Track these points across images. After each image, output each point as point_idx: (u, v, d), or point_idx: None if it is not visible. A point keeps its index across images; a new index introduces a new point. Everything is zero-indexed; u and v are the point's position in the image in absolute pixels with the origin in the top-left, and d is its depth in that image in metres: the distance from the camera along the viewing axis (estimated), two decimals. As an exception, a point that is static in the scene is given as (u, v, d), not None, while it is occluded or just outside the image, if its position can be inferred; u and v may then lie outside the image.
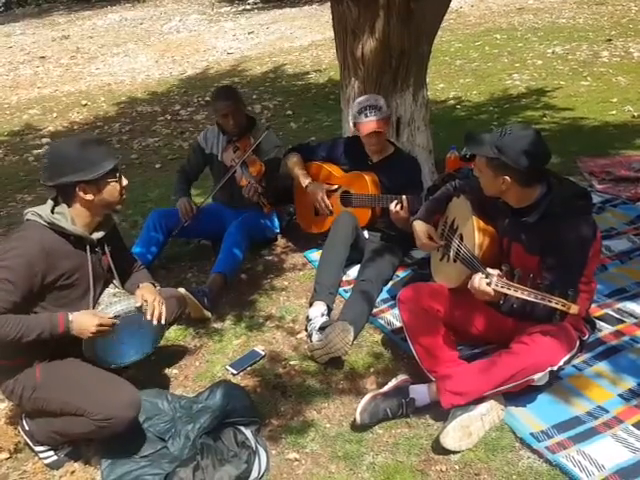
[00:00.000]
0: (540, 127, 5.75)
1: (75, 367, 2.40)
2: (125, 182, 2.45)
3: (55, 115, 8.25)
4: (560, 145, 5.11)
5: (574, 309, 2.10)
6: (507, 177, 2.32)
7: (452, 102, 7.11)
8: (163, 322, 2.49)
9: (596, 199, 4.11)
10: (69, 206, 2.36)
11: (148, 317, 2.43)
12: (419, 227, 2.89)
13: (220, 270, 3.51)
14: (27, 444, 2.52)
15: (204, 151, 3.99)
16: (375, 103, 3.47)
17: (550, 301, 2.10)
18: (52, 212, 2.35)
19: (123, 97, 8.82)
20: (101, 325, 2.31)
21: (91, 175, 2.30)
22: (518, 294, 2.14)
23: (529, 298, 2.12)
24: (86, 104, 8.62)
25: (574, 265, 2.35)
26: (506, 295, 2.19)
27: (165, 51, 11.93)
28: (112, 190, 2.39)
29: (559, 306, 2.10)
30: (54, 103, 8.86)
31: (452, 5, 4.18)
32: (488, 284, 2.22)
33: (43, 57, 12.35)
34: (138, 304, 2.44)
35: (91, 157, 2.31)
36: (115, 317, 2.38)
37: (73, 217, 2.36)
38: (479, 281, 2.26)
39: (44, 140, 7.14)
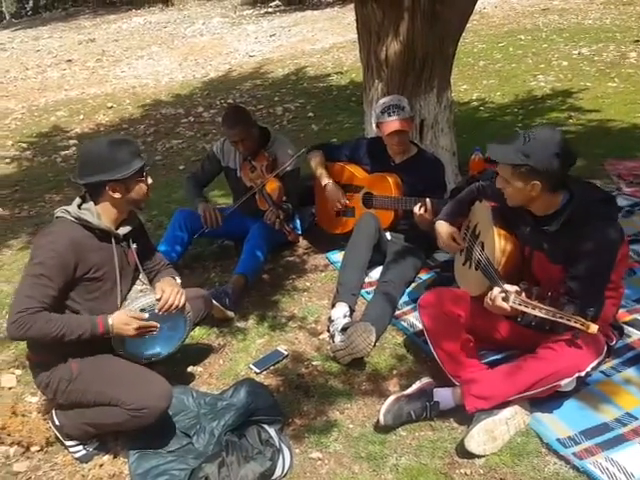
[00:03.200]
0: (566, 129, 5.69)
1: (109, 361, 2.48)
2: (150, 181, 2.52)
3: (82, 117, 8.37)
4: (586, 147, 5.04)
5: (592, 329, 2.06)
6: (537, 182, 2.25)
7: (475, 103, 7.06)
8: (174, 312, 2.51)
9: (624, 202, 4.05)
10: (97, 203, 2.43)
11: (157, 307, 2.47)
12: (442, 228, 2.87)
13: (242, 271, 3.52)
14: (57, 438, 2.56)
15: (220, 162, 3.95)
16: (398, 103, 3.46)
17: (569, 320, 2.08)
18: (79, 208, 2.42)
19: (147, 99, 8.92)
20: (140, 328, 2.40)
21: (121, 174, 2.37)
22: (536, 312, 2.12)
23: (547, 317, 2.10)
24: (112, 106, 8.73)
25: (599, 274, 2.30)
26: (524, 312, 2.16)
27: (188, 54, 12.04)
28: (139, 189, 2.46)
29: (578, 325, 2.07)
30: (81, 105, 8.98)
31: (476, 6, 4.15)
32: (505, 300, 2.20)
33: (70, 60, 12.53)
34: (158, 296, 2.50)
35: (121, 157, 2.38)
36: (141, 310, 2.44)
37: (99, 213, 2.43)
38: (496, 297, 2.25)
39: (71, 142, 7.26)
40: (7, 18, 21.51)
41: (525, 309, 2.13)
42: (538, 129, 2.31)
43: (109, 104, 8.82)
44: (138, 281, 2.62)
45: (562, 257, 2.36)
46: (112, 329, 2.35)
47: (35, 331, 2.22)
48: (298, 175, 3.91)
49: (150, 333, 2.47)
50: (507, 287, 2.23)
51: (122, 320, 2.37)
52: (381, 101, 3.56)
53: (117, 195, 2.40)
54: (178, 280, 2.70)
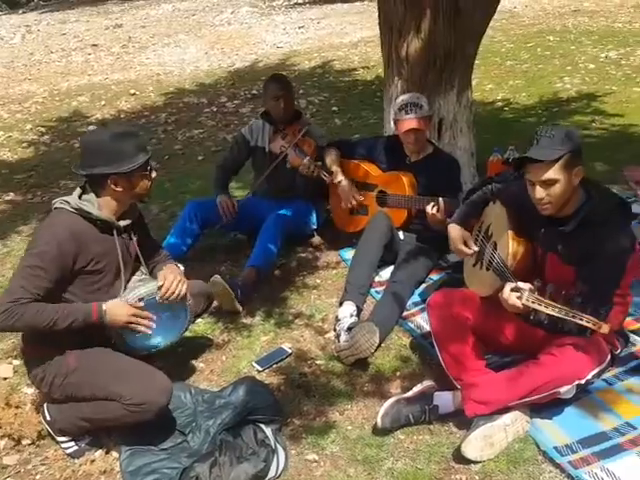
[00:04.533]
0: (588, 133, 5.60)
1: (107, 354, 2.46)
2: (154, 175, 2.50)
3: (103, 103, 8.37)
4: (608, 153, 4.96)
5: (605, 328, 2.04)
6: (579, 166, 2.25)
7: (500, 104, 6.96)
8: (172, 298, 2.50)
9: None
10: (98, 195, 2.41)
11: (159, 296, 2.46)
12: (454, 232, 2.83)
13: (254, 264, 3.51)
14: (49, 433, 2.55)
15: (249, 144, 3.99)
16: (417, 101, 3.43)
17: (581, 319, 2.04)
18: (79, 199, 2.40)
19: (171, 87, 8.89)
20: (134, 315, 2.37)
21: (124, 168, 2.35)
22: (549, 311, 2.09)
23: (560, 315, 2.07)
24: (134, 93, 8.72)
25: (610, 277, 2.28)
26: (537, 310, 2.13)
27: (215, 43, 12.00)
28: (143, 183, 2.45)
29: (590, 325, 2.04)
30: (103, 91, 8.99)
31: (506, 5, 4.11)
32: (518, 298, 2.17)
33: (95, 45, 12.54)
34: (160, 283, 2.48)
35: (125, 150, 2.36)
36: (140, 299, 2.43)
37: (100, 205, 2.41)
38: (509, 294, 2.22)
39: (91, 127, 7.23)
40: (35, 0, 21.60)
41: (538, 307, 2.11)
42: (543, 127, 2.30)
43: (132, 91, 8.80)
44: (138, 272, 2.62)
45: (575, 258, 2.34)
46: (105, 315, 2.32)
47: (25, 321, 2.21)
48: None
49: (145, 326, 2.44)
50: (521, 285, 2.21)
51: (116, 305, 2.35)
52: (400, 98, 3.53)
53: (119, 189, 2.38)
54: (181, 268, 2.70)
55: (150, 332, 2.45)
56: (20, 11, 19.36)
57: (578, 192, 2.32)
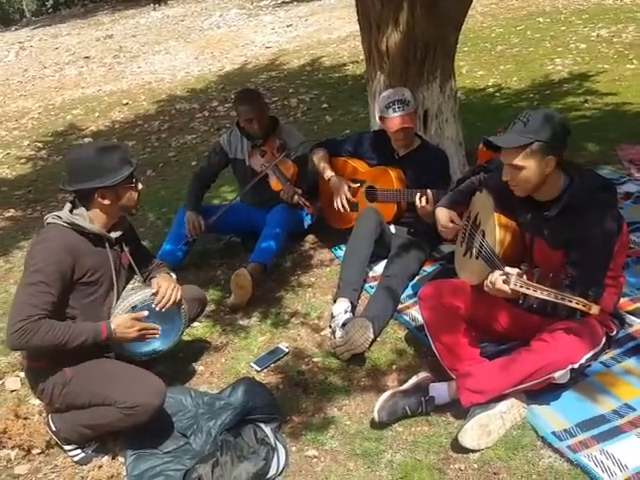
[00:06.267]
0: (580, 114, 5.59)
1: (103, 362, 2.51)
2: (141, 187, 2.56)
3: (97, 115, 8.44)
4: (600, 132, 4.95)
5: (595, 309, 2.06)
6: (551, 156, 2.24)
7: (491, 90, 6.96)
8: (168, 305, 2.56)
9: (634, 188, 3.97)
10: (87, 209, 2.47)
11: (155, 303, 2.52)
12: (441, 212, 2.84)
13: (258, 260, 3.51)
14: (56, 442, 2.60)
15: (227, 155, 3.94)
16: (402, 97, 3.41)
17: (570, 301, 2.06)
18: (71, 213, 2.45)
19: (163, 95, 8.95)
20: (141, 330, 2.44)
21: (109, 182, 2.40)
22: (537, 294, 2.10)
23: (549, 298, 2.08)
24: (127, 103, 8.78)
25: (598, 260, 2.29)
26: (525, 294, 2.15)
27: (205, 47, 12.05)
28: (129, 195, 2.50)
29: (579, 306, 2.06)
30: (96, 103, 9.06)
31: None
32: (506, 282, 2.18)
33: (87, 57, 12.63)
34: (154, 290, 2.55)
35: (109, 164, 2.41)
36: (132, 307, 2.49)
37: (91, 218, 2.47)
38: (496, 279, 2.23)
39: (86, 140, 7.33)
40: (27, 16, 21.71)
41: (526, 291, 2.12)
42: (527, 111, 2.30)
43: (124, 101, 8.88)
44: (132, 280, 2.67)
45: (561, 242, 2.35)
46: (115, 334, 2.39)
47: (37, 339, 2.24)
48: (307, 161, 3.91)
49: (153, 335, 2.52)
50: (508, 269, 2.22)
51: (124, 324, 2.42)
52: (384, 94, 3.52)
53: (107, 202, 2.44)
54: (174, 276, 2.74)
55: (157, 336, 2.52)
56: (13, 28, 19.47)
57: (560, 177, 2.33)
